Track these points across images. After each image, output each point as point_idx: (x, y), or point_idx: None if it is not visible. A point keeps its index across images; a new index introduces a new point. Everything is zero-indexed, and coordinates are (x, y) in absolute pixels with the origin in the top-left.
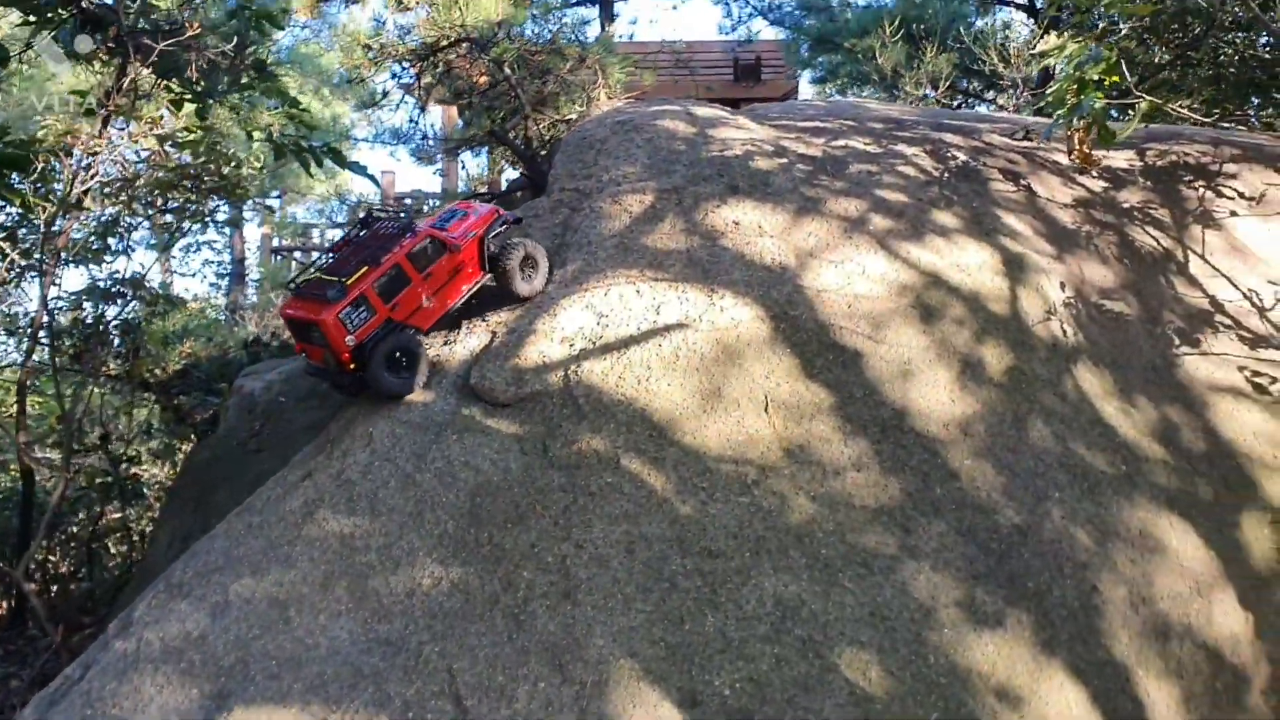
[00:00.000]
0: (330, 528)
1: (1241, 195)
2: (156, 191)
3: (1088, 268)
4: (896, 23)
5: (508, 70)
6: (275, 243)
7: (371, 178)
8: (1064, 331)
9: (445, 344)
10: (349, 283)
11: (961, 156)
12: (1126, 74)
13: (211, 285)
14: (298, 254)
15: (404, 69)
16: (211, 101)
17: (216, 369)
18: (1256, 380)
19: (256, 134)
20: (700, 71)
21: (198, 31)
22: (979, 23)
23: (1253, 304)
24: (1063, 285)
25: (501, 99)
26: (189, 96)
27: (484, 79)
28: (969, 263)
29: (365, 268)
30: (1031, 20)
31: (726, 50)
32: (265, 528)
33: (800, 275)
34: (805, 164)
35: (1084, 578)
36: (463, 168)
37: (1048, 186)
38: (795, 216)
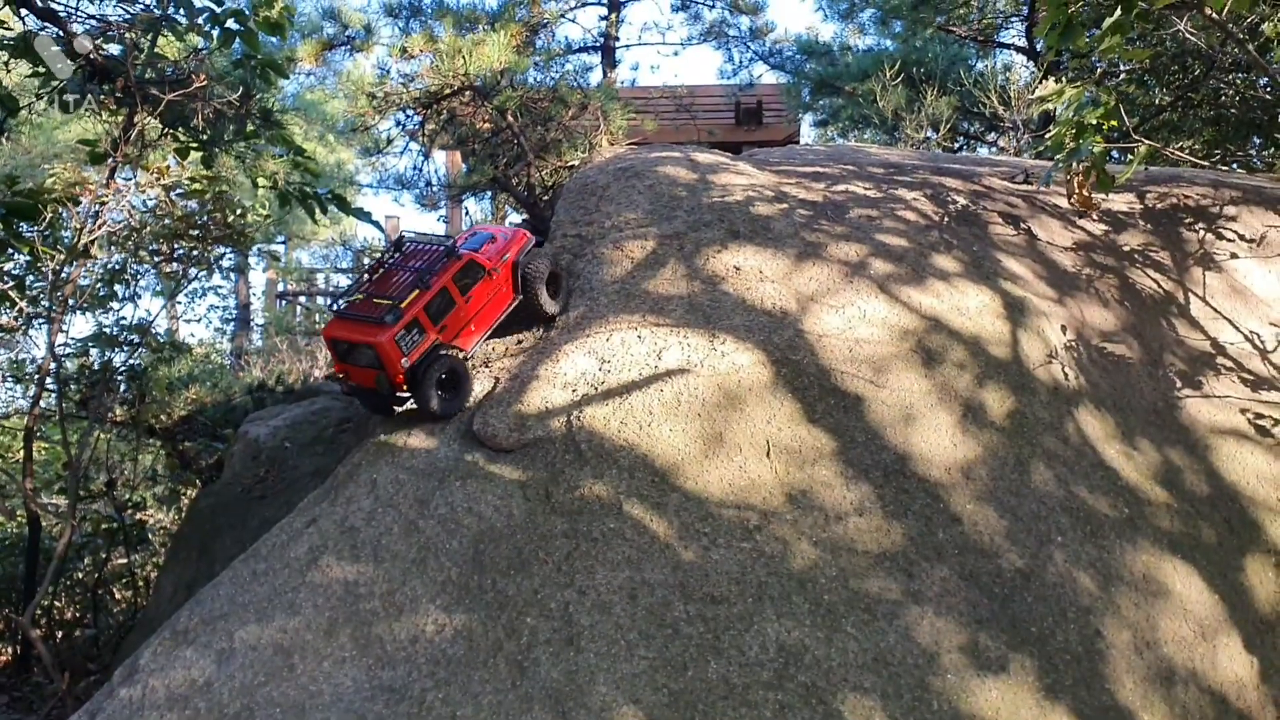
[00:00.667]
0: (334, 574)
1: (1242, 237)
2: (162, 240)
3: (1089, 310)
4: (897, 66)
5: (510, 118)
6: (280, 288)
7: (376, 223)
8: (1065, 374)
9: None
10: (404, 305)
11: (961, 200)
12: (1125, 118)
13: (216, 330)
14: (303, 299)
15: (408, 116)
16: (217, 150)
17: (221, 415)
18: (1259, 423)
19: (262, 181)
20: (702, 116)
21: (204, 83)
22: (979, 65)
23: (1254, 346)
24: (1064, 328)
25: (504, 146)
26: (195, 145)
27: (487, 126)
28: (970, 306)
29: (417, 291)
30: (1032, 62)
31: (728, 94)
32: (270, 574)
33: (801, 320)
34: (806, 209)
35: (1087, 622)
36: (466, 214)
37: (1048, 230)
38: (796, 261)
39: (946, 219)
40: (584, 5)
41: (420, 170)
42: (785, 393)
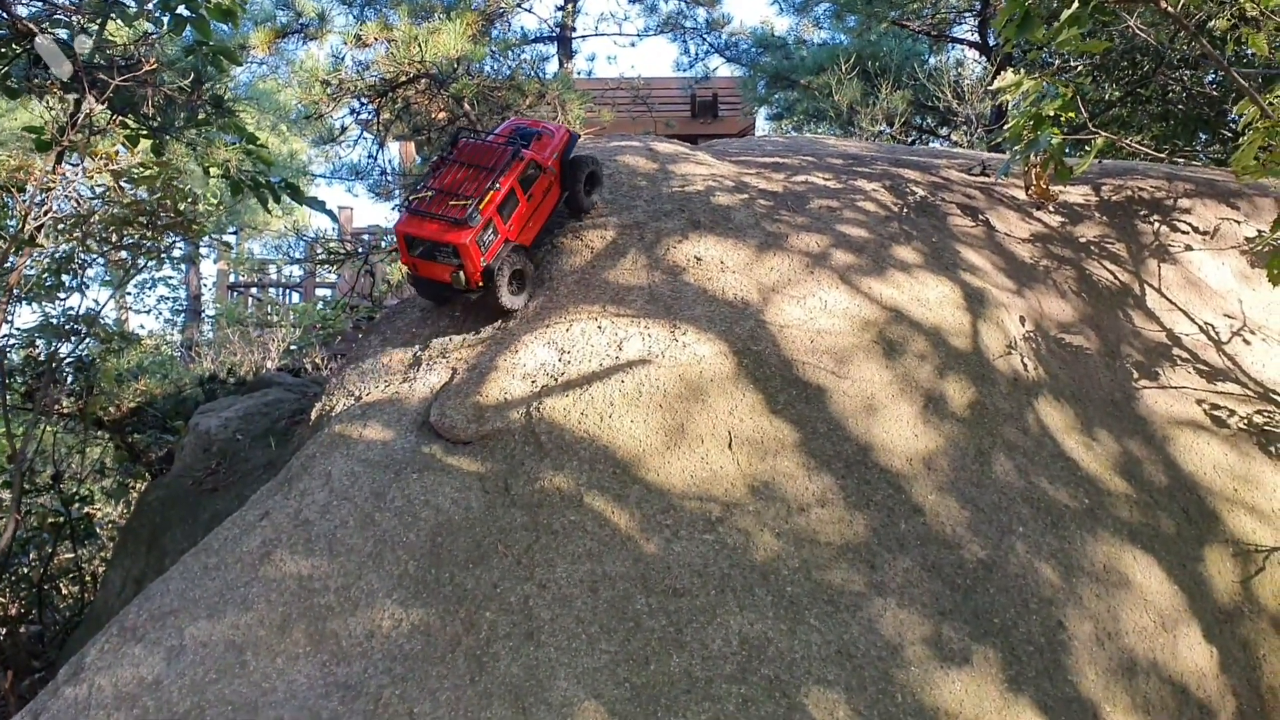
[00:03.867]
0: (288, 569)
1: (1196, 229)
2: (111, 228)
3: (1047, 302)
4: (851, 60)
5: (466, 106)
6: (232, 279)
7: (329, 213)
8: (1025, 365)
9: (405, 381)
10: (482, 208)
11: (920, 192)
12: (1082, 110)
13: (167, 321)
14: (254, 290)
15: (362, 105)
16: (168, 137)
17: (171, 407)
18: (1215, 413)
19: (214, 170)
20: (658, 108)
21: (153, 67)
22: (933, 60)
23: (1209, 337)
24: (1023, 319)
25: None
26: (145, 132)
27: (443, 115)
28: (930, 297)
29: (491, 193)
30: (984, 57)
31: (684, 87)
32: (222, 569)
33: (763, 311)
34: (766, 199)
35: (1049, 613)
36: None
37: (1006, 221)
38: (757, 252)
39: (906, 210)
40: None
41: (375, 159)
42: (747, 384)
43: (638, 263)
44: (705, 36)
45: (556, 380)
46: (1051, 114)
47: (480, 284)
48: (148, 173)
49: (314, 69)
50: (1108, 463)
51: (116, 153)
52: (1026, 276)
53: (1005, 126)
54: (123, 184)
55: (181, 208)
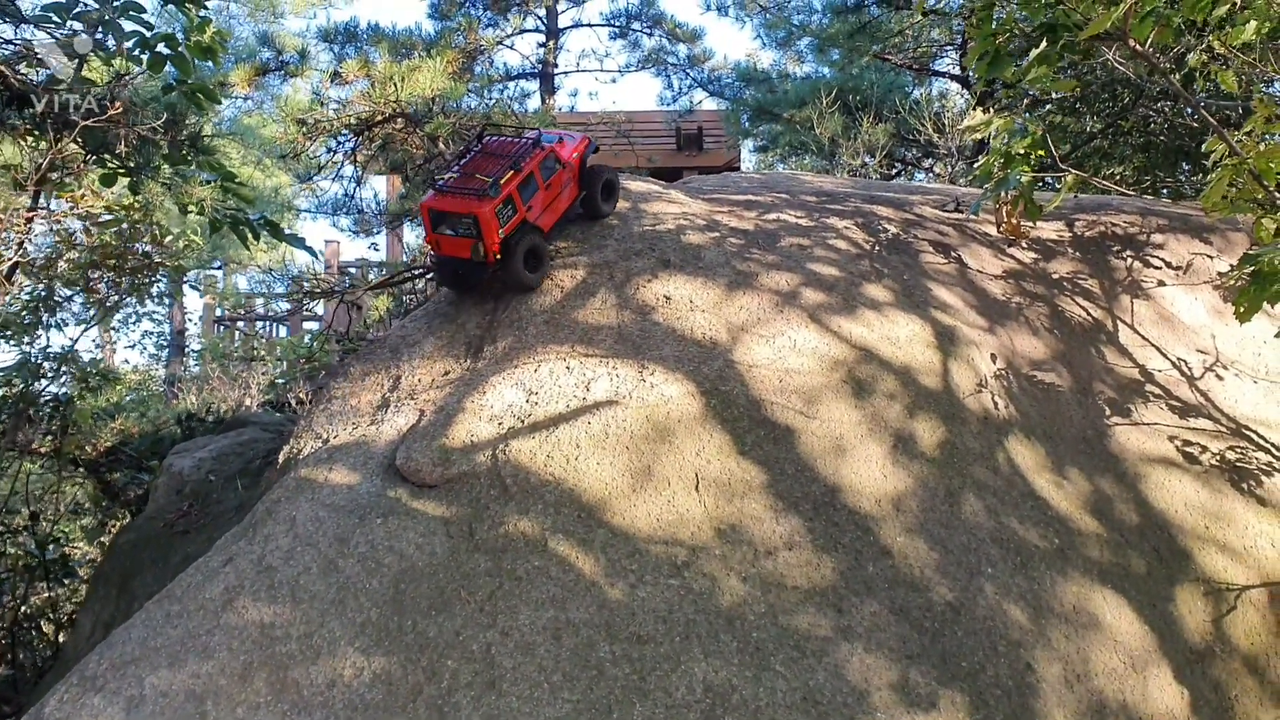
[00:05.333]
0: (250, 616)
1: (1169, 265)
2: (78, 271)
3: (1019, 339)
4: (833, 94)
5: (442, 145)
6: (218, 313)
7: (310, 250)
8: (996, 404)
9: (372, 423)
10: (502, 183)
11: (892, 229)
12: (1052, 147)
13: (152, 356)
14: (240, 324)
15: (339, 142)
16: (145, 177)
17: (148, 445)
18: (1187, 450)
19: (192, 207)
20: (642, 142)
21: (119, 109)
22: (916, 93)
23: (1182, 373)
24: (994, 357)
25: (438, 172)
26: (122, 172)
27: (420, 152)
28: (900, 336)
29: (511, 171)
30: (966, 90)
31: (667, 121)
32: (184, 616)
33: (732, 350)
34: (737, 238)
35: (1018, 655)
36: (400, 241)
37: (978, 258)
38: (727, 291)
39: (878, 247)
40: (522, 33)
41: (352, 197)
42: (715, 424)
43: (607, 302)
44: (688, 71)
45: (523, 422)
46: (1022, 152)
47: (498, 257)
48: (111, 216)
49: (292, 107)
50: (1078, 502)
51: (83, 195)
52: (999, 313)
53: (976, 165)
54: (90, 226)
55: (149, 251)
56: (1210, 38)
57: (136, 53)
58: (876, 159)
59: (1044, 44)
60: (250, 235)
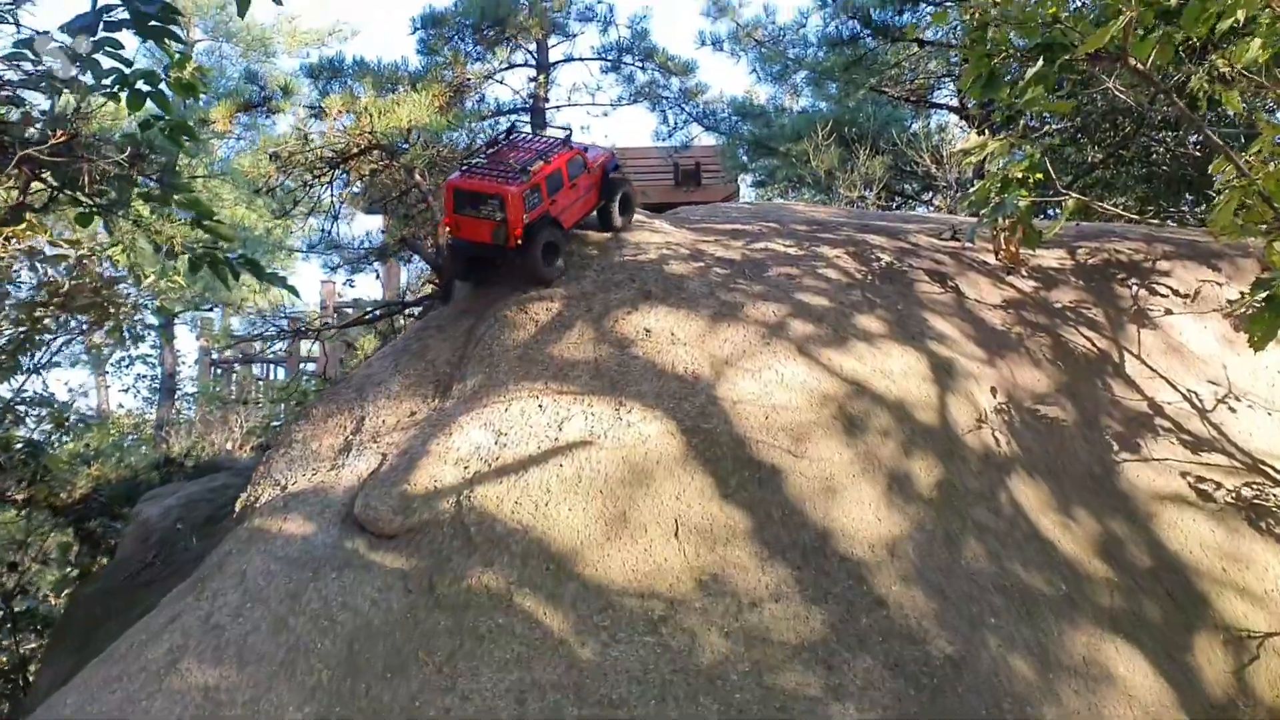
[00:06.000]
0: (194, 679)
1: (1176, 293)
2: (20, 314)
3: (1020, 371)
4: (829, 127)
5: (418, 177)
6: (213, 355)
7: (291, 288)
8: (997, 440)
9: (333, 468)
10: (532, 169)
11: (886, 258)
12: (1052, 171)
13: (145, 399)
14: (237, 366)
15: (314, 177)
16: (116, 214)
17: (124, 492)
18: (1200, 487)
19: (174, 246)
20: (639, 177)
21: (64, 138)
22: (914, 125)
23: (1193, 405)
24: (994, 391)
25: (416, 206)
26: (95, 210)
27: (398, 185)
28: (894, 369)
29: (541, 161)
30: (964, 122)
31: (664, 156)
32: (124, 679)
33: (715, 385)
34: (723, 267)
35: (1024, 713)
36: (377, 277)
37: (976, 287)
38: (711, 323)
39: (870, 277)
40: (511, 67)
41: (329, 233)
42: (696, 466)
43: (584, 336)
44: (684, 106)
45: (491, 465)
46: (1019, 176)
47: (520, 241)
48: (58, 252)
49: (265, 141)
50: (1087, 543)
51: (24, 229)
52: (998, 344)
53: (971, 190)
54: (37, 264)
55: (98, 285)
56: (1214, 58)
57: (115, 90)
58: (874, 192)
59: (1039, 63)
60: (230, 274)
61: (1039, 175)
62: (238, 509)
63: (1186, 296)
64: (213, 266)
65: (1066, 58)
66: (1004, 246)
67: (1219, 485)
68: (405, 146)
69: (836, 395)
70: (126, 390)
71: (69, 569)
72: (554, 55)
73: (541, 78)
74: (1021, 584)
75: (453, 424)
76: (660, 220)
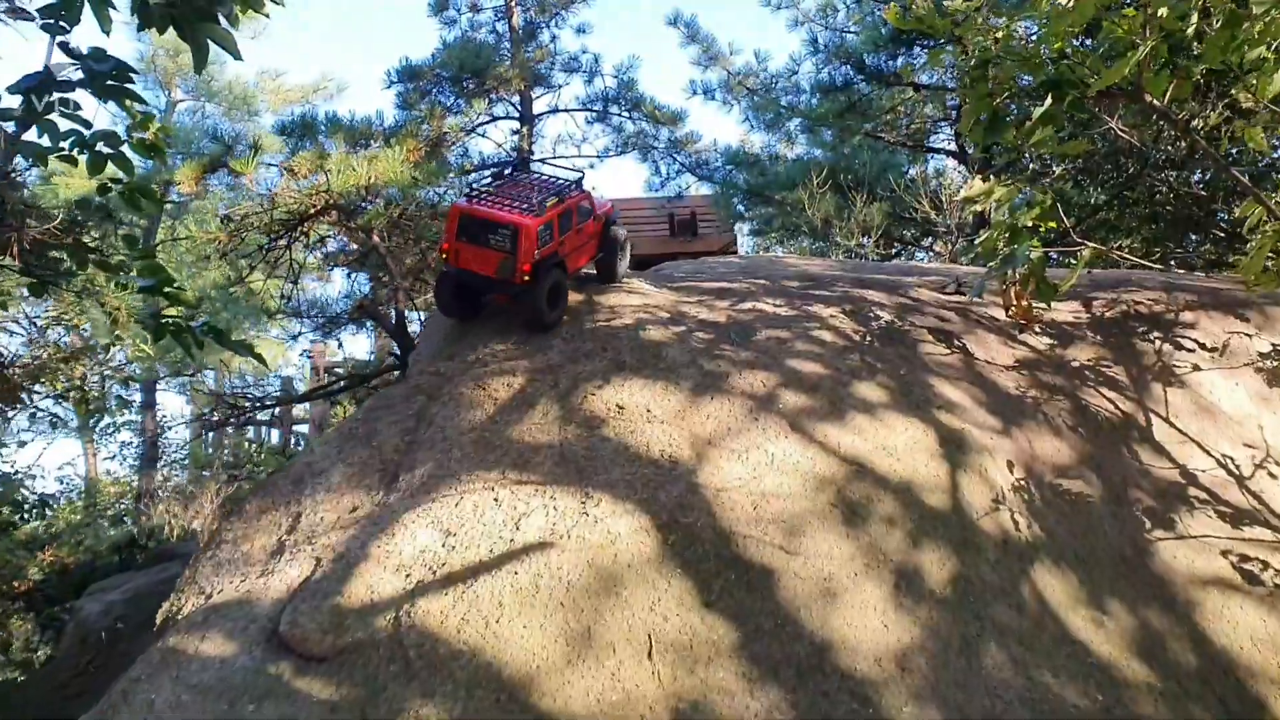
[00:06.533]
0: None
1: (1202, 346)
2: None
3: (1038, 441)
4: (823, 174)
5: (376, 238)
6: (210, 419)
7: (257, 356)
8: (1016, 523)
9: (263, 574)
10: (548, 205)
11: (886, 316)
12: (1064, 218)
13: (131, 467)
14: (230, 429)
15: (271, 240)
16: (62, 285)
17: (81, 577)
18: (1245, 567)
19: (120, 316)
20: (631, 229)
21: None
22: (912, 171)
23: (1229, 472)
24: (1010, 465)
25: (376, 272)
26: (36, 281)
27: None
28: (898, 444)
29: (556, 198)
30: (962, 166)
31: (658, 206)
32: None
33: (696, 470)
34: (706, 332)
35: None
36: (339, 345)
37: (986, 347)
38: (691, 396)
39: (869, 338)
40: (494, 120)
41: (288, 299)
42: (673, 568)
43: (548, 415)
44: (675, 155)
45: (436, 573)
46: (1029, 224)
47: (528, 278)
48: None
49: (215, 202)
50: (1123, 642)
51: None
52: (1013, 411)
53: (977, 241)
54: None
55: (66, 359)
56: (1235, 91)
57: (75, 152)
58: (873, 239)
59: (1048, 101)
60: (194, 343)
61: (1051, 224)
62: (159, 620)
63: (1214, 350)
64: (175, 335)
65: (1076, 95)
66: (1015, 302)
67: (1265, 565)
68: (365, 206)
69: (834, 478)
70: (112, 458)
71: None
72: (539, 106)
73: (525, 129)
74: (1051, 696)
75: (396, 523)
76: (640, 280)
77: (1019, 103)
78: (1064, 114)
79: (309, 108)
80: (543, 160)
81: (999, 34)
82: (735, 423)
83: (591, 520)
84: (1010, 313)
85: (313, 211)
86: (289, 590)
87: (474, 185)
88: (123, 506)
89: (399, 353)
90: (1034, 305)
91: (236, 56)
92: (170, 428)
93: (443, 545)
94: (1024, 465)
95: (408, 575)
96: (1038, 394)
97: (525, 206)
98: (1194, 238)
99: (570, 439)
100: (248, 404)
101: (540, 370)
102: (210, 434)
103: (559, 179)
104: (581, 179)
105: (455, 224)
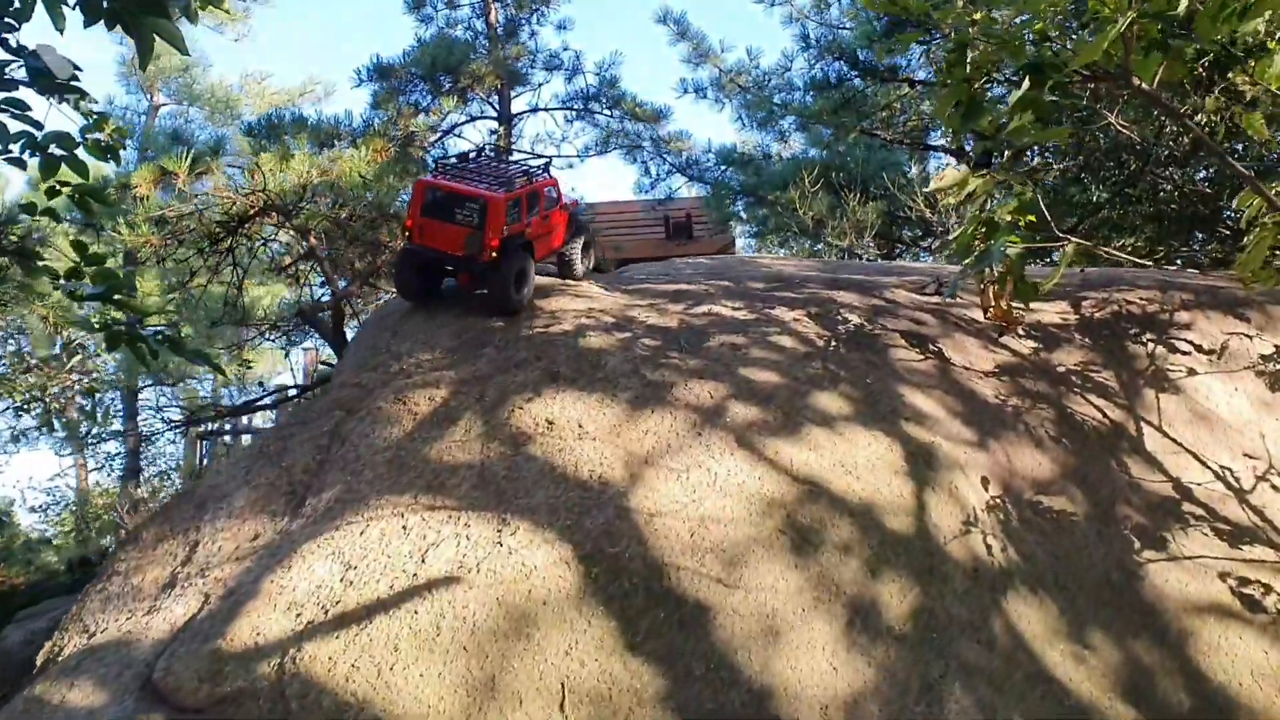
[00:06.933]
0: None
1: (1199, 348)
2: None
3: (1017, 454)
4: (815, 172)
5: (312, 240)
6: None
7: (216, 366)
8: (988, 547)
9: (149, 611)
10: (518, 182)
11: (855, 319)
12: (1045, 211)
13: (120, 478)
14: (227, 437)
15: (211, 244)
16: None
17: (29, 598)
18: (1244, 591)
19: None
20: (624, 232)
21: None
22: (913, 170)
23: (1227, 486)
24: (985, 482)
25: (307, 275)
26: None
27: (294, 251)
28: (859, 461)
29: (525, 178)
30: (962, 165)
31: (650, 208)
32: None
33: (628, 493)
34: (654, 338)
35: None
36: (299, 358)
37: (964, 351)
38: (630, 410)
39: (834, 344)
40: (472, 119)
41: (233, 305)
42: (595, 605)
43: (471, 431)
44: (664, 156)
45: (329, 612)
46: (1008, 218)
47: (495, 255)
48: None
49: (150, 206)
50: (1106, 680)
51: None
52: (991, 422)
53: (952, 237)
54: None
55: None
56: (1234, 75)
57: (25, 155)
58: (867, 239)
59: (1025, 86)
60: (149, 352)
61: (1031, 218)
62: (39, 662)
63: (1211, 353)
64: (130, 344)
65: (1059, 78)
66: (993, 303)
67: (1268, 589)
68: (299, 206)
69: (784, 500)
70: (100, 469)
71: None
72: (519, 105)
73: (503, 129)
74: None
75: (294, 553)
76: (591, 283)
77: (1000, 88)
78: (1046, 100)
79: (292, 110)
80: (510, 150)
81: (978, 15)
82: (676, 439)
83: (506, 551)
84: (988, 314)
85: (252, 213)
86: (171, 630)
87: (440, 161)
88: (111, 519)
89: (330, 364)
90: (1014, 307)
91: (183, 52)
92: (152, 438)
93: (340, 580)
94: (1000, 481)
95: (299, 615)
96: (1019, 402)
97: (493, 182)
98: (1200, 236)
99: (492, 458)
100: (213, 413)
101: (467, 381)
102: (207, 443)
103: (525, 164)
104: (549, 164)
105: (420, 199)
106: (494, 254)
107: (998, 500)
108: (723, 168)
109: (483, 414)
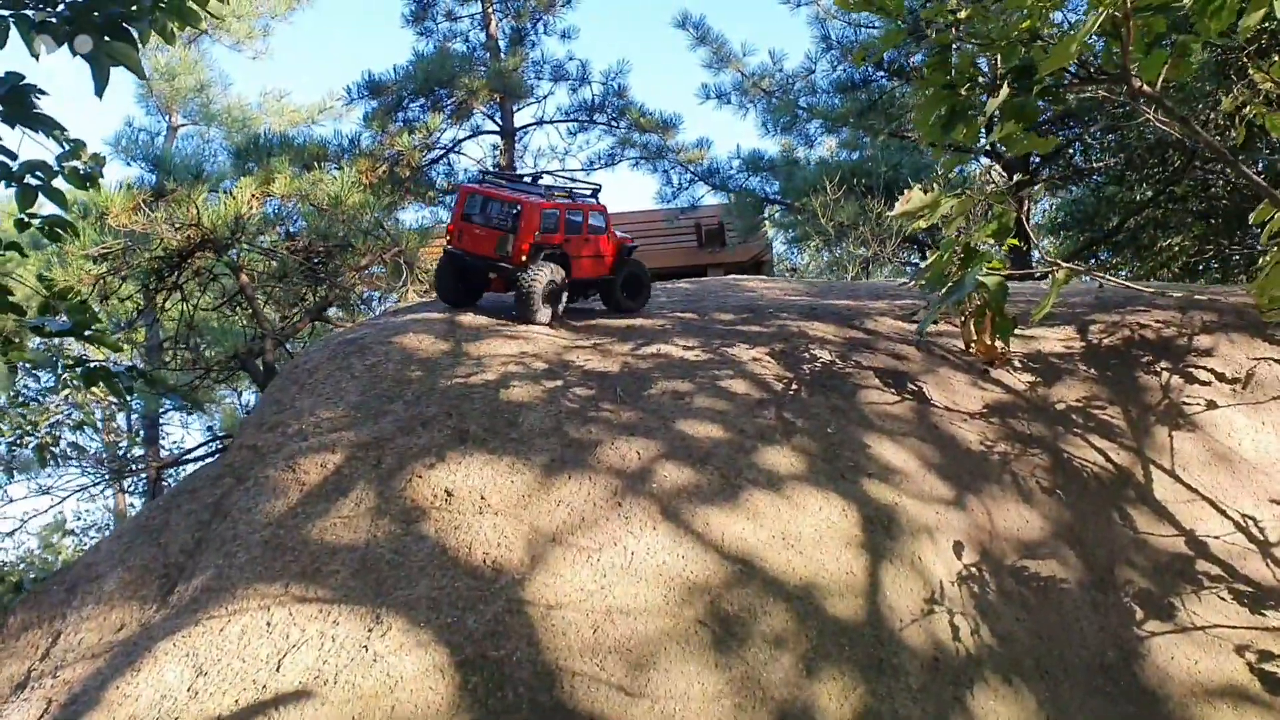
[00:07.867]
0: None
1: (1221, 377)
2: None
3: (1000, 512)
4: (838, 178)
5: (244, 278)
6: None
7: (195, 403)
8: (954, 630)
9: None
10: (556, 194)
11: (825, 356)
12: (1029, 232)
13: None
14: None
15: (156, 280)
16: None
17: None
18: (1266, 669)
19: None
20: (655, 242)
21: None
22: (951, 171)
23: (1250, 538)
24: (959, 548)
25: (245, 310)
26: None
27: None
28: (804, 532)
29: (567, 197)
30: (997, 164)
31: (678, 216)
32: None
33: (525, 581)
34: (587, 386)
35: None
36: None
37: (948, 390)
38: (542, 476)
39: (795, 387)
40: (475, 134)
41: (173, 345)
42: None
43: (361, 505)
44: (686, 166)
45: None
46: (987, 243)
47: (525, 260)
48: None
49: (84, 242)
50: None
51: None
52: (971, 474)
53: (924, 264)
54: None
55: None
56: (1252, 72)
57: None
58: (892, 246)
59: (1005, 90)
60: (123, 388)
61: (1014, 241)
62: None
63: (1235, 381)
64: (105, 381)
65: (1046, 81)
66: (975, 338)
67: None
68: (231, 240)
69: (709, 583)
70: (132, 491)
71: None
72: (524, 118)
73: (504, 143)
74: None
75: (148, 654)
76: (538, 326)
77: (986, 94)
78: (1034, 104)
79: (310, 129)
80: (512, 165)
81: (964, 13)
82: (592, 510)
83: (370, 658)
84: (972, 350)
85: (191, 247)
86: None
87: (486, 172)
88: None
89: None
90: (997, 341)
91: (140, 75)
92: (174, 464)
93: (188, 689)
94: (978, 546)
95: None
96: (1007, 448)
97: (533, 192)
98: (1257, 231)
99: (379, 538)
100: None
101: (365, 445)
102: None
103: (576, 183)
104: (598, 191)
105: (462, 204)
106: (524, 258)
107: (972, 569)
108: (748, 174)
109: (377, 484)
